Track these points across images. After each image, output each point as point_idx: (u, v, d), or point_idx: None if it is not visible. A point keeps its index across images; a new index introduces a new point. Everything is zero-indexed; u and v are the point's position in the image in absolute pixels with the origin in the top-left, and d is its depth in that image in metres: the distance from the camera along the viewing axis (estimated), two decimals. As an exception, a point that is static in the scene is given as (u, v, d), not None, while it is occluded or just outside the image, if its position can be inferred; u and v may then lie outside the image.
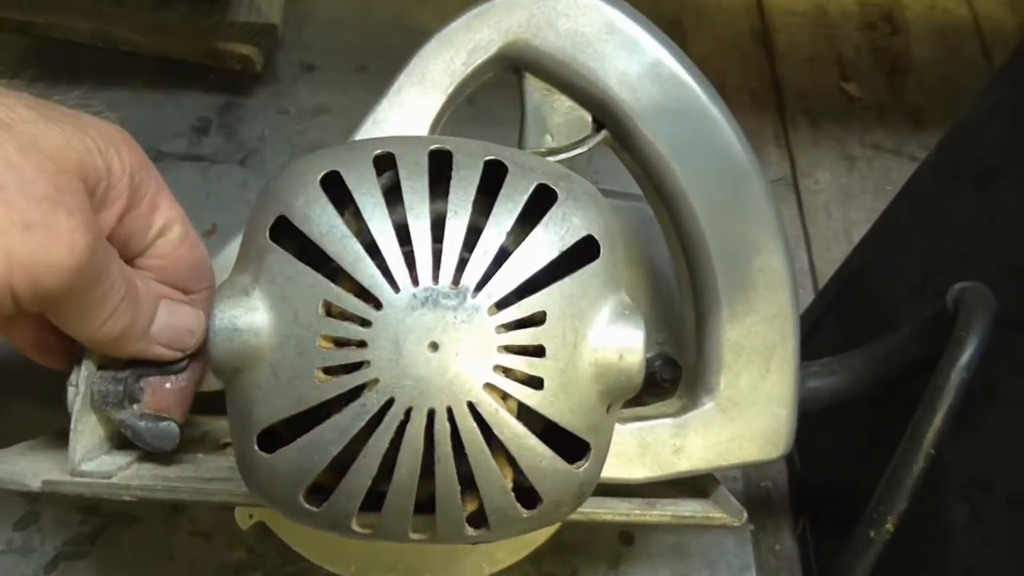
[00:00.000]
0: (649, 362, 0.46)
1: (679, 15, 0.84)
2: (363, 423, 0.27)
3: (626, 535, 0.57)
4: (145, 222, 0.34)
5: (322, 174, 0.29)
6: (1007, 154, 0.46)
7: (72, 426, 0.36)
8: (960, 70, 0.85)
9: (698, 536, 0.57)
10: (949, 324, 0.39)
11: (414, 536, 0.29)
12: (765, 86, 0.82)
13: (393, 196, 0.28)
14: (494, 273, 0.28)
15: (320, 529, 0.30)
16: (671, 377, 0.45)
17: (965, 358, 0.37)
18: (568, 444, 0.29)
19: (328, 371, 0.27)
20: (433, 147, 0.30)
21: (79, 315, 0.31)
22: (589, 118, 0.40)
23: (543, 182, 0.30)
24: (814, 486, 0.59)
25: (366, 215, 0.28)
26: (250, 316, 0.28)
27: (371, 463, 0.27)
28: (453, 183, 0.29)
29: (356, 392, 0.27)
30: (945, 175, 0.51)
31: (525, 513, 0.29)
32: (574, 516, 0.35)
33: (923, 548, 0.42)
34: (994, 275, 0.41)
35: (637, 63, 0.39)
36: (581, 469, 0.30)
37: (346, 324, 0.27)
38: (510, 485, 0.29)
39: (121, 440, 0.38)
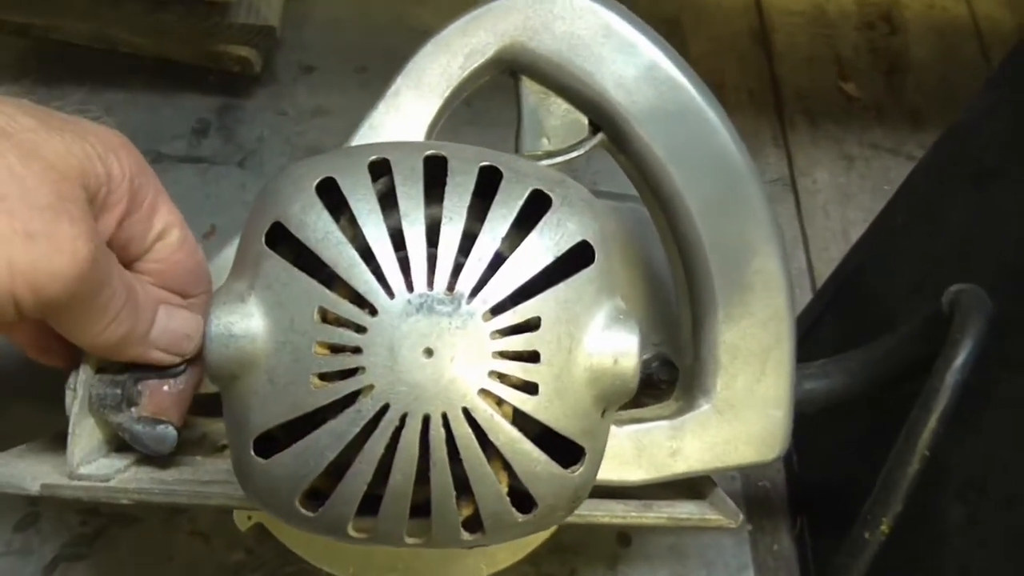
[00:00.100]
0: (646, 363, 0.46)
1: (678, 15, 0.84)
2: (358, 429, 0.27)
3: (624, 536, 0.57)
4: (144, 226, 0.34)
5: (317, 180, 0.29)
6: (1004, 154, 0.46)
7: (70, 429, 0.36)
8: (959, 70, 0.84)
9: (696, 537, 0.57)
10: (944, 326, 0.39)
11: (410, 540, 0.30)
12: (763, 86, 0.82)
13: (388, 202, 0.29)
14: (489, 279, 0.28)
15: (316, 533, 0.30)
16: (668, 378, 0.45)
17: (960, 360, 0.37)
18: (563, 448, 0.29)
19: (324, 377, 0.27)
20: (428, 153, 0.30)
21: (80, 321, 0.31)
22: (585, 121, 0.40)
23: (538, 188, 0.30)
24: (812, 486, 0.59)
25: (361, 221, 0.28)
26: (246, 322, 0.28)
27: (366, 468, 0.27)
28: (448, 189, 0.29)
29: (351, 398, 0.27)
30: (942, 175, 0.51)
31: (520, 517, 0.29)
32: (570, 519, 0.35)
33: (919, 549, 0.42)
34: (991, 275, 0.42)
35: (633, 66, 0.39)
36: (576, 473, 0.30)
37: (341, 330, 0.27)
38: (505, 490, 0.29)
39: (119, 443, 0.38)
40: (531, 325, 0.28)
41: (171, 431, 0.37)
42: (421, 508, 0.29)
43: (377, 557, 0.46)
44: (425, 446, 0.27)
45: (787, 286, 0.40)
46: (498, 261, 0.28)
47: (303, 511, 0.29)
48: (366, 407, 0.27)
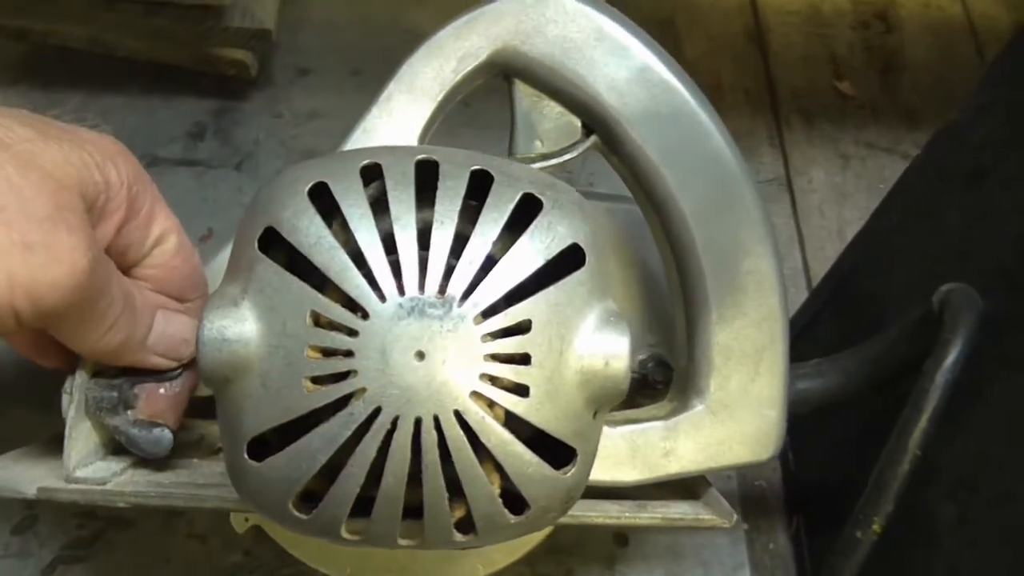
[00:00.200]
0: (642, 364, 0.46)
1: (672, 15, 0.84)
2: (350, 432, 0.27)
3: (621, 536, 0.57)
4: (142, 233, 0.34)
5: (310, 185, 0.29)
6: (997, 153, 0.46)
7: (67, 432, 0.36)
8: (954, 68, 0.85)
9: (692, 537, 0.57)
10: (935, 326, 0.39)
11: (403, 542, 0.30)
12: (759, 85, 0.82)
13: (380, 207, 0.29)
14: (480, 282, 0.28)
15: (310, 535, 0.30)
16: (664, 379, 0.45)
17: (950, 360, 0.37)
18: (555, 450, 0.29)
19: (316, 380, 0.28)
20: (420, 157, 0.30)
21: (79, 329, 0.32)
22: (579, 123, 0.40)
23: (529, 191, 0.30)
24: (808, 485, 0.59)
25: (353, 226, 0.28)
26: (239, 326, 0.28)
27: (359, 471, 0.28)
28: (439, 193, 0.29)
29: (344, 401, 0.27)
30: (936, 174, 0.51)
31: (513, 519, 0.30)
32: (565, 520, 0.35)
33: (911, 548, 0.42)
34: (984, 275, 0.42)
35: (626, 68, 0.39)
36: (568, 475, 0.30)
37: (333, 334, 0.27)
38: (497, 491, 0.29)
39: (116, 446, 0.38)
40: (522, 328, 0.28)
41: (167, 434, 0.37)
42: (414, 510, 0.29)
43: (373, 559, 0.46)
44: (417, 448, 0.27)
45: (780, 286, 0.40)
46: (489, 264, 0.28)
47: (297, 513, 0.29)
48: (358, 410, 0.27)
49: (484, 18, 0.39)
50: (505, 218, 0.29)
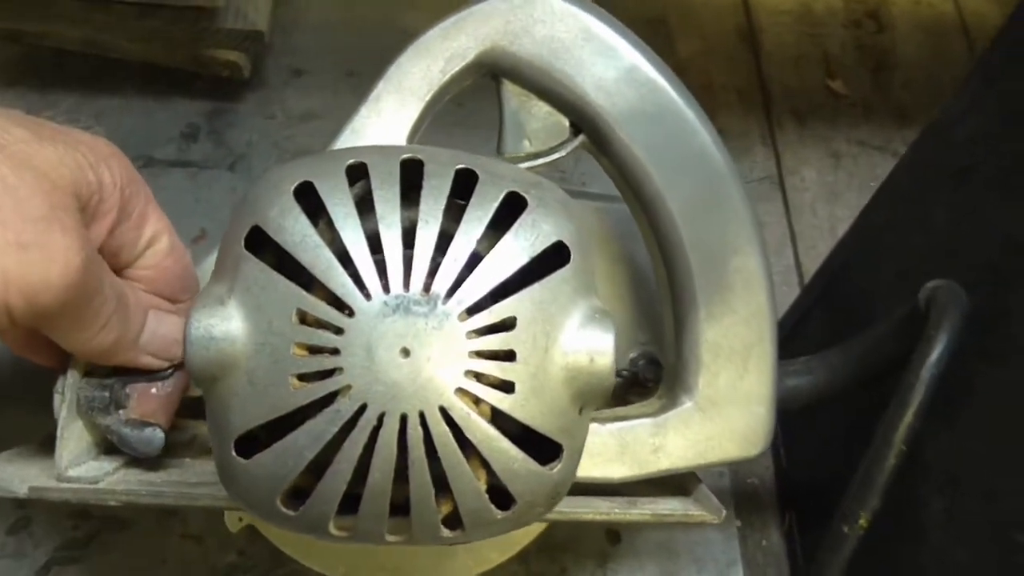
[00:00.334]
0: (633, 361, 0.46)
1: (664, 14, 0.84)
2: (337, 428, 0.27)
3: (613, 533, 0.57)
4: (135, 234, 0.35)
5: (296, 184, 0.29)
6: (984, 150, 0.46)
7: (58, 432, 0.36)
8: (946, 66, 0.85)
9: (685, 533, 0.57)
10: (921, 322, 0.39)
11: (391, 538, 0.30)
12: (751, 85, 0.82)
13: (365, 206, 0.29)
14: (464, 279, 0.28)
15: (298, 532, 0.30)
16: (655, 377, 0.45)
17: (935, 356, 0.38)
18: (541, 446, 0.30)
19: (302, 378, 0.28)
20: (405, 157, 0.30)
21: (72, 328, 0.32)
22: (567, 123, 0.40)
23: (513, 190, 0.30)
24: (800, 482, 0.59)
25: (338, 225, 0.28)
26: (226, 325, 0.28)
27: (345, 468, 0.28)
28: (424, 192, 0.29)
29: (330, 398, 0.28)
30: (923, 172, 0.52)
31: (499, 514, 0.30)
32: (554, 516, 0.36)
33: (899, 543, 0.43)
34: (971, 270, 0.42)
35: (613, 68, 0.39)
36: (555, 470, 0.30)
37: (319, 332, 0.28)
38: (484, 487, 0.29)
39: (108, 446, 0.39)
40: (507, 325, 0.28)
41: (158, 433, 0.37)
42: (401, 506, 0.29)
43: (367, 557, 0.47)
44: (403, 445, 0.28)
45: (768, 284, 0.40)
46: (474, 262, 0.29)
47: (285, 510, 0.29)
48: (344, 407, 0.27)
49: (472, 18, 0.39)
50: (490, 216, 0.29)
